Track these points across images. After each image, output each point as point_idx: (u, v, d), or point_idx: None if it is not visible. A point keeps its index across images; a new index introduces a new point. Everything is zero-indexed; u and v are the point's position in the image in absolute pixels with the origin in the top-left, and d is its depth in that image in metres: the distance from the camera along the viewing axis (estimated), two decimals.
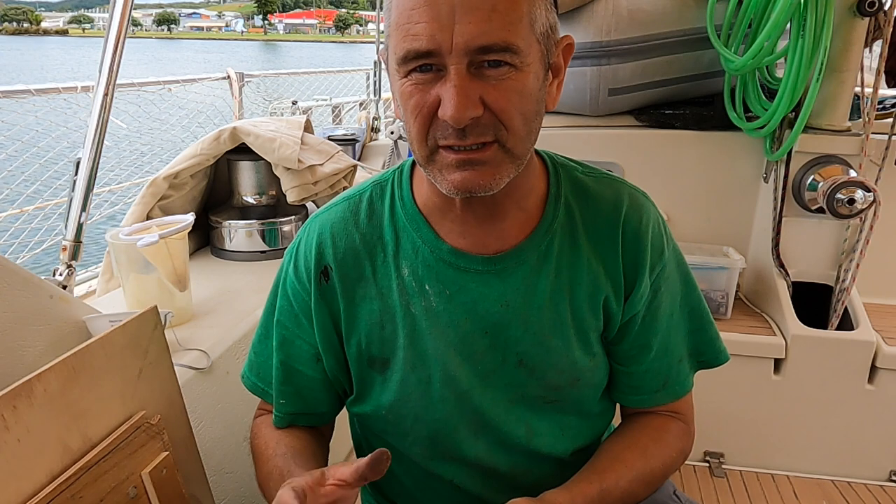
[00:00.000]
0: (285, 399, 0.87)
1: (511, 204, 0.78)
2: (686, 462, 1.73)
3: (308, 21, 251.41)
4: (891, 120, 1.79)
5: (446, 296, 0.79)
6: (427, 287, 0.79)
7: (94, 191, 1.23)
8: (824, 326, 1.79)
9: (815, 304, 1.86)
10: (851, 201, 1.68)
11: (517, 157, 0.69)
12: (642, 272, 0.82)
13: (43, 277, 0.96)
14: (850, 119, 1.83)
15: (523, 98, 0.66)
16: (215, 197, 1.73)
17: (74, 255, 1.18)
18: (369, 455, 0.64)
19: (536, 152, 0.82)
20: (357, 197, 0.84)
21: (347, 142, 2.46)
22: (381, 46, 0.73)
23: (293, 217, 1.67)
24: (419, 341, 0.79)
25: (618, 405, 0.94)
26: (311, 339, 0.84)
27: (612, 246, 0.81)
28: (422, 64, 0.64)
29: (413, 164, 0.84)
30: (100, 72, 1.17)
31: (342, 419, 0.96)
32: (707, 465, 1.86)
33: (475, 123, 0.65)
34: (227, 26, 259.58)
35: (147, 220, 1.45)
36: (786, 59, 1.65)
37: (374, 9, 3.62)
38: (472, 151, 0.67)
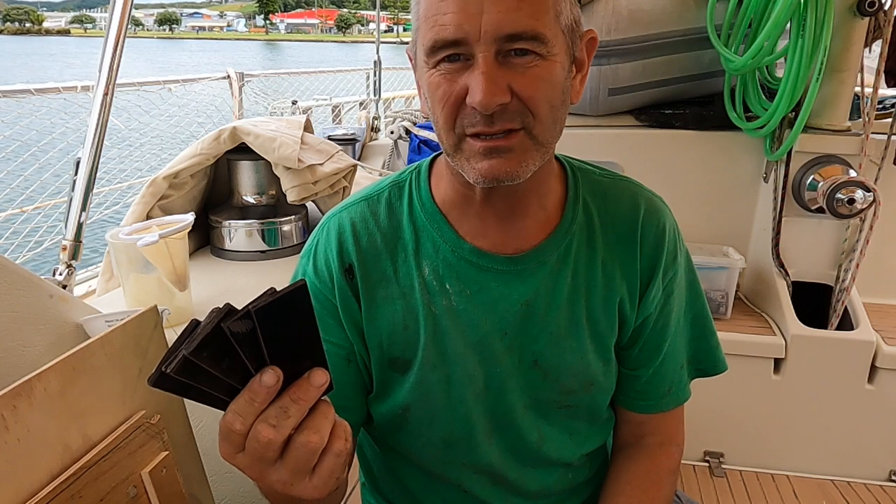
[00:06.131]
0: None
1: (533, 201, 0.78)
2: (686, 462, 1.74)
3: (310, 21, 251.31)
4: (890, 120, 1.79)
5: (467, 295, 0.78)
6: (448, 286, 0.79)
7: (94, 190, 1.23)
8: (824, 326, 1.79)
9: (815, 304, 1.86)
10: (851, 201, 1.68)
11: (543, 144, 0.69)
12: (657, 275, 0.82)
13: (43, 277, 0.96)
14: (850, 119, 1.83)
15: (550, 86, 0.66)
16: (215, 197, 1.73)
17: (74, 255, 1.18)
18: None
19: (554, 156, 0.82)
20: (375, 196, 0.83)
21: (347, 142, 2.46)
22: (408, 43, 0.73)
23: (293, 217, 1.67)
24: (440, 341, 0.79)
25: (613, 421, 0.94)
26: (339, 339, 0.80)
27: (630, 248, 0.81)
28: (450, 54, 0.65)
29: (430, 163, 0.84)
30: (100, 71, 1.17)
31: None
32: (707, 465, 1.86)
33: (503, 110, 0.65)
34: (228, 26, 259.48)
35: (147, 219, 1.45)
36: (786, 59, 1.65)
37: (374, 8, 3.62)
38: (498, 139, 0.67)
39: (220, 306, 0.47)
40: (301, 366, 0.51)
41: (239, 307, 0.49)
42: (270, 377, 0.49)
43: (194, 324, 0.48)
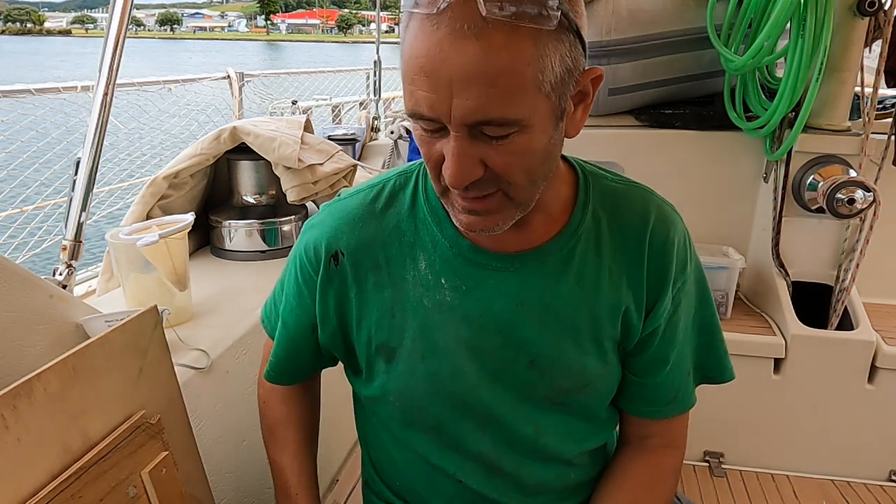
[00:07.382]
0: (275, 358, 0.93)
1: (534, 210, 0.76)
2: (686, 462, 1.74)
3: (311, 21, 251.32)
4: (891, 120, 1.79)
5: (462, 291, 0.79)
6: (443, 281, 0.79)
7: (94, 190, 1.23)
8: (824, 326, 1.79)
9: (815, 304, 1.86)
10: (851, 201, 1.68)
11: (521, 203, 0.70)
12: (666, 287, 0.81)
13: (43, 277, 0.96)
14: (849, 119, 1.83)
15: (527, 157, 0.65)
16: (215, 197, 1.73)
17: (74, 255, 1.18)
18: None
19: (564, 158, 0.82)
20: (380, 185, 0.84)
21: (347, 141, 2.46)
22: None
23: (293, 217, 1.67)
24: (430, 333, 0.80)
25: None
26: (308, 311, 0.86)
27: (637, 257, 0.80)
28: (426, 122, 0.64)
29: None
30: (100, 71, 1.17)
31: (347, 411, 0.97)
32: (707, 464, 1.86)
33: (476, 181, 0.65)
34: (229, 26, 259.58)
35: (147, 219, 1.45)
36: (786, 59, 1.65)
37: (375, 9, 3.61)
38: (476, 200, 0.68)
39: None
40: None
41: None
42: None
43: None
